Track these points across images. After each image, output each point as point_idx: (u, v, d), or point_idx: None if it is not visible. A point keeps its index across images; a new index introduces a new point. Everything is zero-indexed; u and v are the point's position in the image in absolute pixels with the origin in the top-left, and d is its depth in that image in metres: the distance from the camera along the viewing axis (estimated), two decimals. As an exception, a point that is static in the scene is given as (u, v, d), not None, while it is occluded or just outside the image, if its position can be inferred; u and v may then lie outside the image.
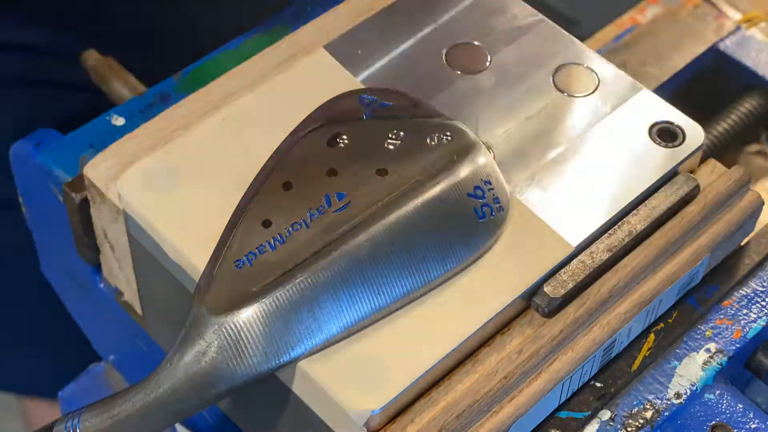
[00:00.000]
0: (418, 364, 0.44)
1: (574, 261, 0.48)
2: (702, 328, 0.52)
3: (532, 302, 0.47)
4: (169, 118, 0.52)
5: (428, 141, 0.48)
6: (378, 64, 0.53)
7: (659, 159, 0.50)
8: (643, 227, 0.49)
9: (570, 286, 0.47)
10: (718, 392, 0.50)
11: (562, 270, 0.47)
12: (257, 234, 0.45)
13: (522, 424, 0.46)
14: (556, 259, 0.47)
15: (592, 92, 0.52)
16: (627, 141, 0.51)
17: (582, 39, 0.58)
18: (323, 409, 0.44)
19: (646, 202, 0.49)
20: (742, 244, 0.54)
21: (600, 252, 0.48)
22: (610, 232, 0.48)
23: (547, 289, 0.47)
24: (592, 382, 0.49)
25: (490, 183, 0.48)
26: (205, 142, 0.50)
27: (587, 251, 0.48)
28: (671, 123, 0.51)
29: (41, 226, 0.62)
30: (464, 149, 0.48)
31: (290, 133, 0.49)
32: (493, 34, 0.54)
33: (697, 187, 0.50)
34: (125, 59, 0.70)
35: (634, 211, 0.49)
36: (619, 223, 0.49)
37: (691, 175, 0.50)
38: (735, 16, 0.66)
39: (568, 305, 0.47)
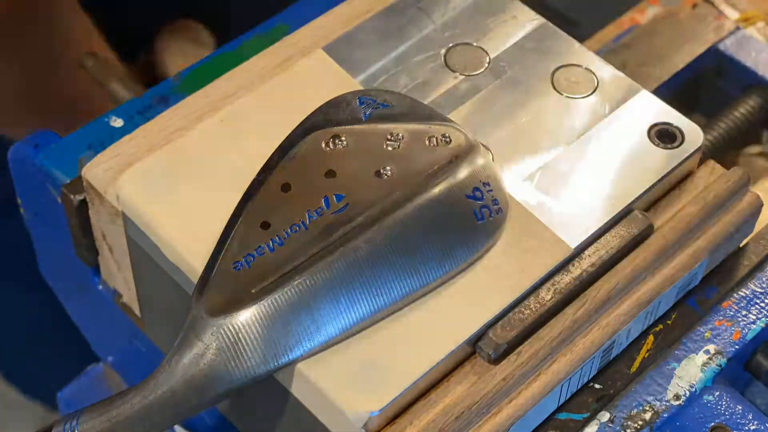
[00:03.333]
0: (417, 365, 0.44)
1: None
2: (701, 329, 0.51)
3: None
4: (168, 120, 0.52)
5: (427, 142, 0.48)
6: (376, 66, 0.53)
7: (658, 160, 0.50)
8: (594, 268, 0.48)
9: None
10: (717, 394, 0.50)
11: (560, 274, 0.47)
12: (256, 235, 0.45)
13: (521, 426, 0.46)
14: (555, 261, 0.47)
15: (591, 94, 0.52)
16: (626, 142, 0.51)
17: (582, 39, 0.58)
18: (322, 411, 0.44)
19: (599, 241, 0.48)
20: (741, 245, 0.54)
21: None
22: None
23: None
24: (591, 384, 0.49)
25: (488, 185, 0.48)
26: (203, 144, 0.50)
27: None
28: (670, 124, 0.51)
29: (40, 228, 0.62)
30: (463, 151, 0.48)
31: (288, 135, 0.48)
32: (491, 36, 0.54)
33: (651, 226, 0.49)
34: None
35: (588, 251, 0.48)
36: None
37: (646, 214, 0.49)
38: (734, 15, 0.66)
39: (567, 306, 0.47)
